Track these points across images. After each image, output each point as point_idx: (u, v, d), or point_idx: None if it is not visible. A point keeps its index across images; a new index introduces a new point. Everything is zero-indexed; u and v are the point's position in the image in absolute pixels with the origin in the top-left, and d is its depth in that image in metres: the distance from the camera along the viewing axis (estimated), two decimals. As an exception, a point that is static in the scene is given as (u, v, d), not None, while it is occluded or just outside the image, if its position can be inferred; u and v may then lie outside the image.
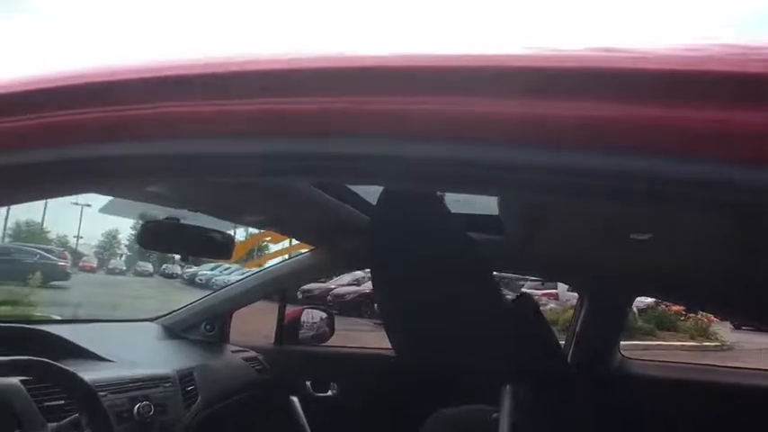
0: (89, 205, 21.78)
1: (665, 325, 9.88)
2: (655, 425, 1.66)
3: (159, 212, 1.21)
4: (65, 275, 16.33)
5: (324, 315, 2.22)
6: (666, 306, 9.34)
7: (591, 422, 1.43)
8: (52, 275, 14.70)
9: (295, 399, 1.88)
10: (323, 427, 1.83)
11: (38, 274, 12.63)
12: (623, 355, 1.98)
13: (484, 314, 0.63)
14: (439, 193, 0.62)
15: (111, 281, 19.11)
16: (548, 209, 0.99)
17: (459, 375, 1.04)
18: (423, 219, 0.59)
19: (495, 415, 0.77)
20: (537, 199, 0.78)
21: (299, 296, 2.36)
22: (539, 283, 9.02)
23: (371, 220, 0.62)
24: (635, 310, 10.89)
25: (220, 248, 1.25)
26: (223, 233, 1.28)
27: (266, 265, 2.29)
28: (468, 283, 0.61)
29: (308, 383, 1.93)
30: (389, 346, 1.99)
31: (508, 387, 0.61)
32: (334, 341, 2.16)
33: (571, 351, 1.92)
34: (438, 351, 0.65)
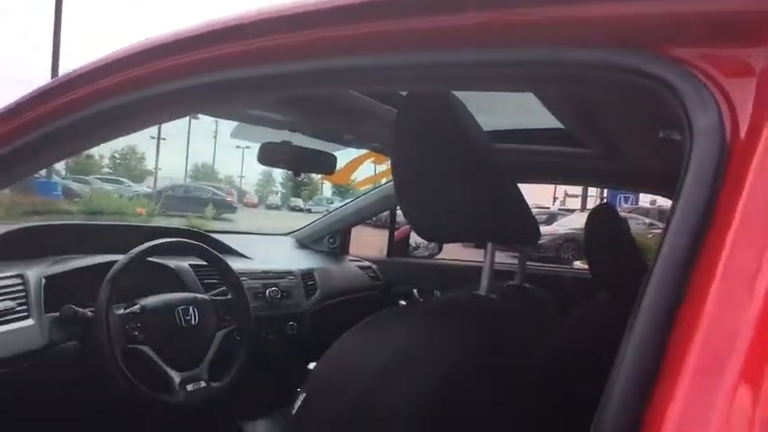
0: (248, 147, 24.28)
1: None
2: None
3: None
4: (232, 209, 18.79)
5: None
6: None
7: None
8: (222, 209, 17.02)
9: (403, 303, 2.15)
10: None
11: (210, 206, 14.68)
12: None
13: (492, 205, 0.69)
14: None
15: (268, 214, 21.36)
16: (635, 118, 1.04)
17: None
18: (443, 113, 0.66)
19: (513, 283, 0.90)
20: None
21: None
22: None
23: (398, 110, 0.76)
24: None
25: (324, 165, 1.51)
26: (326, 153, 1.54)
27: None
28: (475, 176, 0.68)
29: (414, 291, 2.18)
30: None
31: (489, 245, 0.73)
32: (440, 255, 2.39)
33: None
34: (448, 235, 0.79)
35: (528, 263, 1.06)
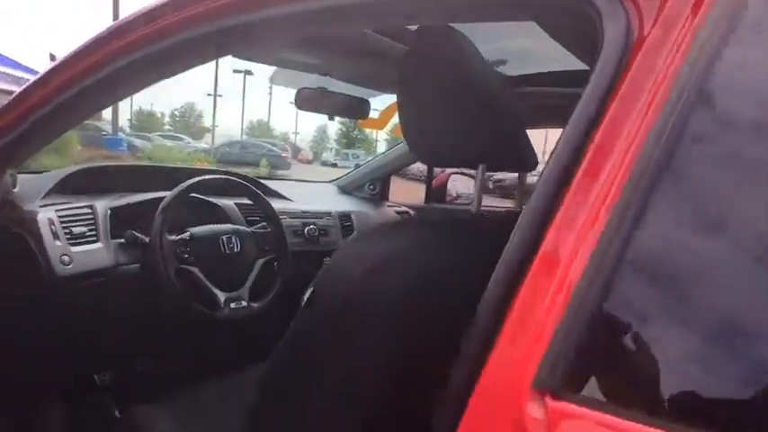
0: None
1: None
2: None
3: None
4: (287, 165, 19.21)
5: (471, 180, 2.49)
6: None
7: None
8: (277, 165, 17.46)
9: None
10: None
11: (264, 161, 15.07)
12: None
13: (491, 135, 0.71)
14: None
15: (322, 171, 21.66)
16: None
17: None
18: (453, 50, 0.68)
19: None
20: None
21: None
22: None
23: (408, 46, 0.79)
24: None
25: (358, 110, 1.58)
26: (360, 98, 1.61)
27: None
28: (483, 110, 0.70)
29: None
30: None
31: (481, 167, 0.73)
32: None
33: None
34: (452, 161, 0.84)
35: None
